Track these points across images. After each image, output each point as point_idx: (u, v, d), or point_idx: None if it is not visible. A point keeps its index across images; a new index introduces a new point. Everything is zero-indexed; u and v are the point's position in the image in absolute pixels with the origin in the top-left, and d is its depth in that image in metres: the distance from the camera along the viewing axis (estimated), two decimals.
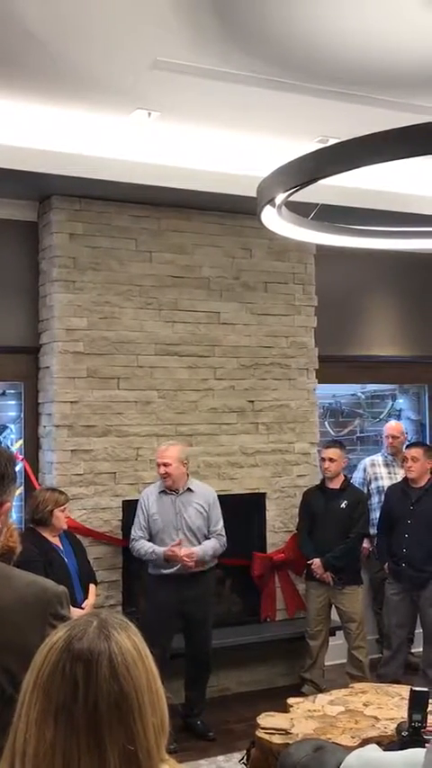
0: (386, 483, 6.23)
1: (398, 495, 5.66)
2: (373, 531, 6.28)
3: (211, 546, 4.97)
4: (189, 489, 5.01)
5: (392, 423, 6.57)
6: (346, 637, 5.59)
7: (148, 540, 4.95)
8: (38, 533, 4.50)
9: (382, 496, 6.14)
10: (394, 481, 6.20)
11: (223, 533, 5.05)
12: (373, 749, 2.96)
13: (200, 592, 4.95)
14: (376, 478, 6.33)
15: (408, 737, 2.97)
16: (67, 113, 4.51)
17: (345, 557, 5.51)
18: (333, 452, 5.60)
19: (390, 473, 6.32)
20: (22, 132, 4.63)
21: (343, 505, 5.54)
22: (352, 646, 5.55)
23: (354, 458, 6.69)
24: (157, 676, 1.17)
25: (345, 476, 5.74)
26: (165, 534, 4.92)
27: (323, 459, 5.64)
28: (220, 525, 5.05)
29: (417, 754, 2.84)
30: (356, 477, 6.36)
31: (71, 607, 4.26)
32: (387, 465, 6.37)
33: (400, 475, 6.25)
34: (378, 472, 6.34)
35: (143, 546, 4.92)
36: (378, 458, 6.44)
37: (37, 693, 1.11)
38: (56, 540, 4.59)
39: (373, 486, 6.31)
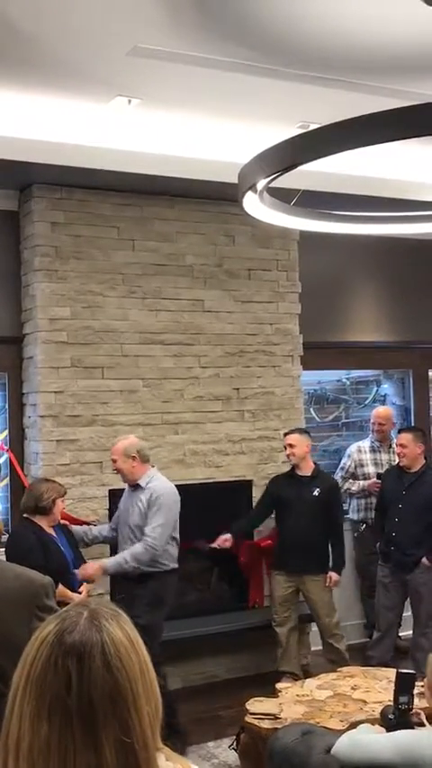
0: (372, 470, 6.24)
1: (392, 478, 5.67)
2: (358, 516, 6.31)
3: (129, 553, 4.57)
4: (139, 485, 4.75)
5: (380, 408, 6.54)
6: (319, 626, 5.56)
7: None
8: (34, 523, 4.49)
9: (366, 483, 6.17)
10: (380, 467, 6.22)
11: (153, 536, 4.56)
12: (365, 730, 2.98)
13: (137, 594, 4.60)
14: (362, 465, 6.32)
15: (395, 720, 2.99)
16: (46, 101, 4.47)
17: (341, 554, 5.58)
18: (292, 438, 5.53)
19: (376, 459, 6.31)
20: (1, 121, 4.59)
21: (316, 493, 5.49)
22: (326, 635, 5.52)
23: (339, 444, 6.71)
24: (150, 664, 1.16)
25: (314, 462, 5.68)
26: (120, 528, 4.86)
27: (285, 447, 5.60)
28: (151, 527, 4.59)
29: (405, 735, 2.87)
30: (342, 464, 6.37)
31: (70, 593, 4.30)
32: (374, 451, 6.36)
33: (386, 461, 6.26)
34: (364, 458, 6.33)
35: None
36: (365, 444, 6.42)
37: (30, 688, 1.10)
38: (51, 531, 4.59)
39: (359, 472, 6.30)
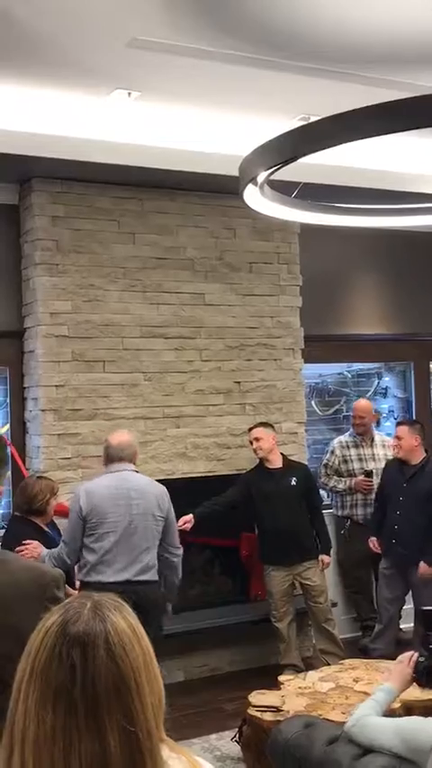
0: (357, 465, 6.18)
1: (393, 471, 5.64)
2: (342, 512, 6.25)
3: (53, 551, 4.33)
4: None
5: (360, 401, 6.42)
6: (313, 612, 5.54)
7: None
8: (30, 520, 4.49)
9: (353, 480, 6.12)
10: (365, 462, 6.18)
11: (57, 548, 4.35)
12: (369, 707, 2.97)
13: None
14: (346, 461, 6.22)
15: (426, 661, 3.00)
16: (46, 95, 4.46)
17: (327, 536, 5.61)
18: (257, 432, 5.51)
19: (360, 455, 6.22)
20: (1, 115, 4.58)
21: (293, 482, 5.47)
22: (322, 619, 5.52)
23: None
24: (153, 655, 1.17)
25: (281, 453, 5.63)
26: None
27: (250, 442, 5.56)
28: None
29: (409, 722, 2.91)
30: (326, 460, 6.27)
31: (71, 590, 4.31)
32: (357, 446, 6.25)
33: (369, 455, 6.21)
34: (347, 454, 6.22)
35: None
36: (346, 438, 6.31)
37: (34, 679, 1.11)
38: (46, 528, 4.60)
39: (343, 468, 6.20)
